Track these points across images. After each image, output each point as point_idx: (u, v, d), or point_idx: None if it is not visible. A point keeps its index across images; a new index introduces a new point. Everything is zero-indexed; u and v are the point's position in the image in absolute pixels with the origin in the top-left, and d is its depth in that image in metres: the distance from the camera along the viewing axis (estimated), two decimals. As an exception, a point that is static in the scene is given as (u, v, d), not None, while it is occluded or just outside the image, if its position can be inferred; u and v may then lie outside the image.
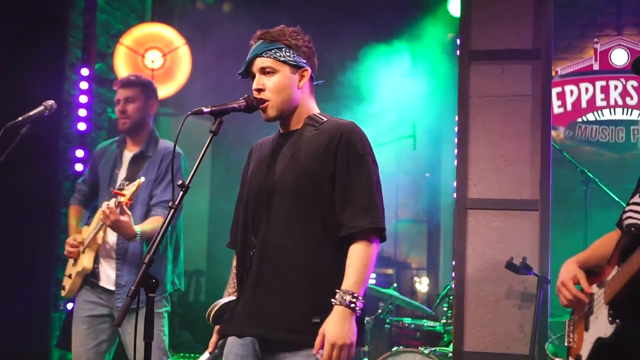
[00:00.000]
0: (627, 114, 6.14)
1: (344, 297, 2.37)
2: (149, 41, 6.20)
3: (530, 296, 4.12)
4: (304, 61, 2.61)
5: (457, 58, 4.40)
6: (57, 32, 5.50)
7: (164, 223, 2.30)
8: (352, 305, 2.37)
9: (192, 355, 5.69)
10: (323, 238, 2.49)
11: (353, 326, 2.39)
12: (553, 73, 5.85)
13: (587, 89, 6.22)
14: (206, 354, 2.64)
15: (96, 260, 3.76)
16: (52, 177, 4.97)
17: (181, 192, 2.36)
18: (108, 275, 3.76)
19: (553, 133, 4.99)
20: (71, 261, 3.86)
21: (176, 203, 2.34)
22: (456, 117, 4.37)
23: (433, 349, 4.65)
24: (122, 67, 6.07)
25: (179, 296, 6.92)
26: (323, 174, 2.51)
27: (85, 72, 5.54)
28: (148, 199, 3.76)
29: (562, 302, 2.54)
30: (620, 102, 6.13)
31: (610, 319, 2.27)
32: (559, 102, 6.20)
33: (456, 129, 4.37)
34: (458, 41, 4.44)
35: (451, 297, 4.94)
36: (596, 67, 6.20)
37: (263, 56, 2.57)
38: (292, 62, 2.58)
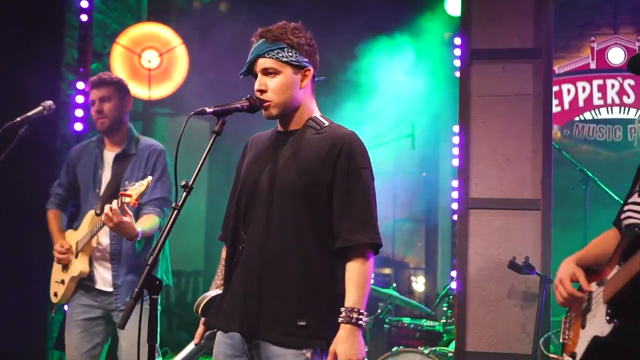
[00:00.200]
0: (624, 112, 6.15)
1: (351, 315, 2.42)
2: (146, 41, 6.19)
3: (532, 296, 4.12)
4: (306, 60, 2.59)
5: (455, 57, 4.40)
6: (53, 32, 5.47)
7: (167, 225, 2.28)
8: (359, 322, 2.43)
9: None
10: (314, 241, 2.50)
11: (362, 341, 2.45)
12: (552, 72, 5.86)
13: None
14: (191, 345, 2.64)
15: (90, 264, 3.74)
16: (50, 177, 4.93)
17: (184, 193, 2.34)
18: (103, 277, 3.74)
19: (551, 132, 4.99)
20: (59, 267, 3.82)
21: (179, 204, 2.32)
22: (457, 117, 4.37)
23: (433, 348, 4.64)
24: (119, 67, 6.05)
25: (176, 297, 6.91)
26: (322, 178, 2.52)
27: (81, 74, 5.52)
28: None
29: (558, 300, 2.54)
30: (617, 100, 6.14)
31: (608, 318, 2.26)
32: (557, 101, 6.21)
33: (455, 128, 4.36)
34: (456, 40, 4.44)
35: (451, 297, 4.93)
36: (593, 65, 6.21)
37: (265, 57, 2.55)
38: (295, 63, 2.56)
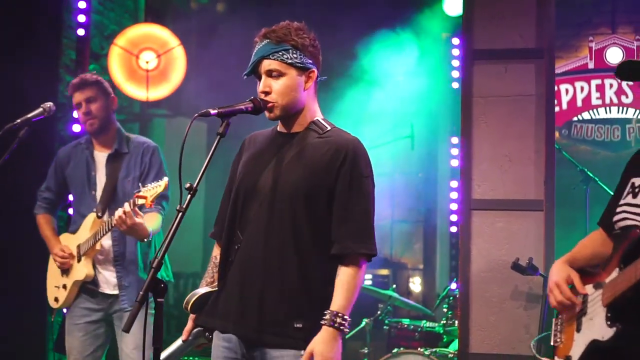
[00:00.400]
0: (622, 112, 6.16)
1: (334, 320, 2.44)
2: (143, 42, 6.15)
3: (535, 297, 4.11)
4: (310, 62, 2.58)
5: (453, 58, 4.39)
6: (51, 33, 5.46)
7: (171, 227, 2.27)
8: (341, 327, 2.44)
9: (189, 358, 5.65)
10: (312, 244, 2.51)
11: (339, 346, 2.47)
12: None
13: (582, 88, 6.23)
14: (179, 341, 2.62)
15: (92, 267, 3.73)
16: (49, 178, 4.93)
17: (189, 195, 2.33)
18: (107, 280, 3.73)
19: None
20: (57, 271, 3.80)
21: (184, 206, 2.31)
22: (456, 117, 4.35)
23: (433, 350, 4.63)
24: (117, 68, 6.03)
25: (175, 299, 6.88)
26: (323, 183, 2.51)
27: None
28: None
29: (551, 303, 2.51)
30: (615, 100, 6.14)
31: (609, 322, 2.23)
32: (555, 101, 6.20)
33: (455, 129, 4.35)
34: (454, 41, 4.42)
35: (451, 298, 4.92)
36: (591, 65, 6.22)
37: (270, 58, 2.53)
38: (299, 65, 2.55)
